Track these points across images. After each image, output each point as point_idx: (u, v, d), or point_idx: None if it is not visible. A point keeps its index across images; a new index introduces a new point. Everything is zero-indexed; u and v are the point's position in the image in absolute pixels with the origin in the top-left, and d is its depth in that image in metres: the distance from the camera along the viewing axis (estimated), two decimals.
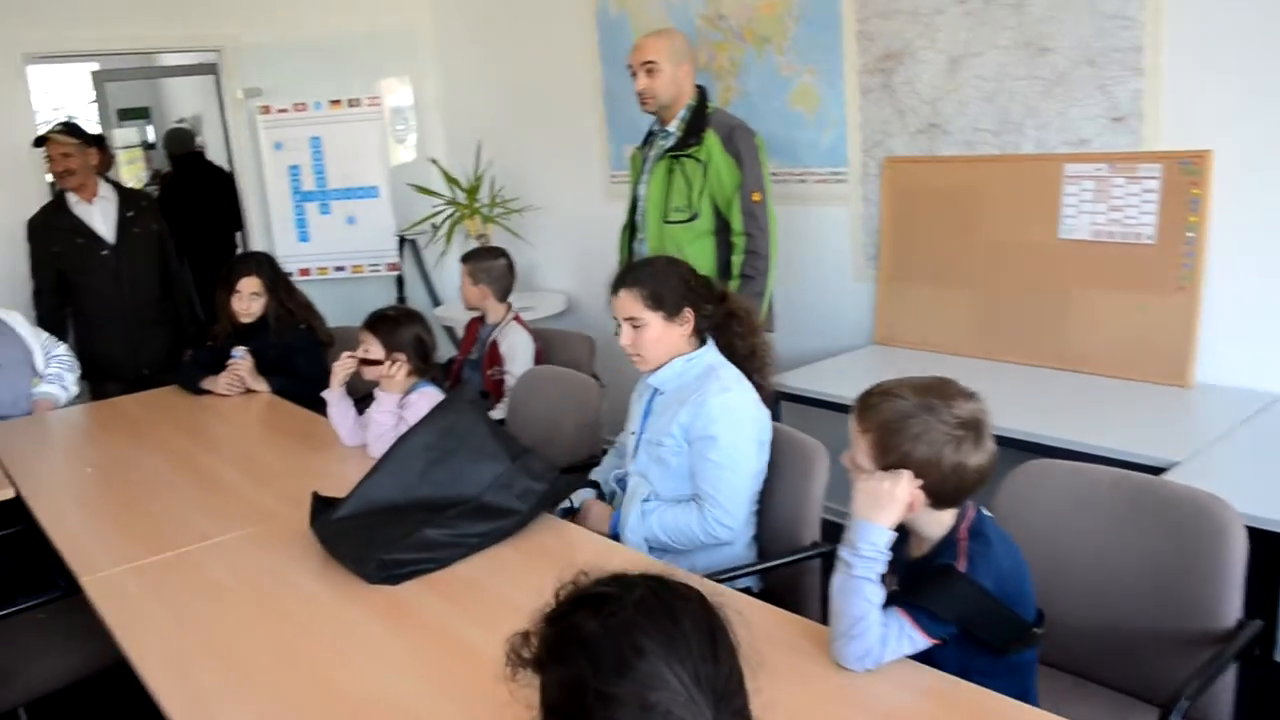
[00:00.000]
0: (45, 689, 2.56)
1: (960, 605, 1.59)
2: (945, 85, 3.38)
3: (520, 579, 2.00)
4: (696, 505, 2.30)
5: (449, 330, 5.34)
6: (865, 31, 3.57)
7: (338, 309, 4.31)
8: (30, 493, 2.84)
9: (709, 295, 2.45)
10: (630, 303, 2.39)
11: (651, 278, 2.40)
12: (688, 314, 2.39)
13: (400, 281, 5.60)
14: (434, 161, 5.32)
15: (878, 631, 1.57)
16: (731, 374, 2.36)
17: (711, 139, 3.34)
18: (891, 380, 1.70)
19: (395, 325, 2.96)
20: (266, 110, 5.36)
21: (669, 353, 2.41)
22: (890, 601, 1.61)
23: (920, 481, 1.61)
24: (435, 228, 5.20)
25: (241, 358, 3.67)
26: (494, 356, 3.65)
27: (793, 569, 2.32)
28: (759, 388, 2.41)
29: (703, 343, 2.43)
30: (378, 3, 5.60)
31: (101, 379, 4.28)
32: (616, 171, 4.72)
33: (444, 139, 5.79)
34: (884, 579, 1.62)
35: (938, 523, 1.68)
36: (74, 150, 4.19)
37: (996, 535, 1.69)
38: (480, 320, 3.89)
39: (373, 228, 5.45)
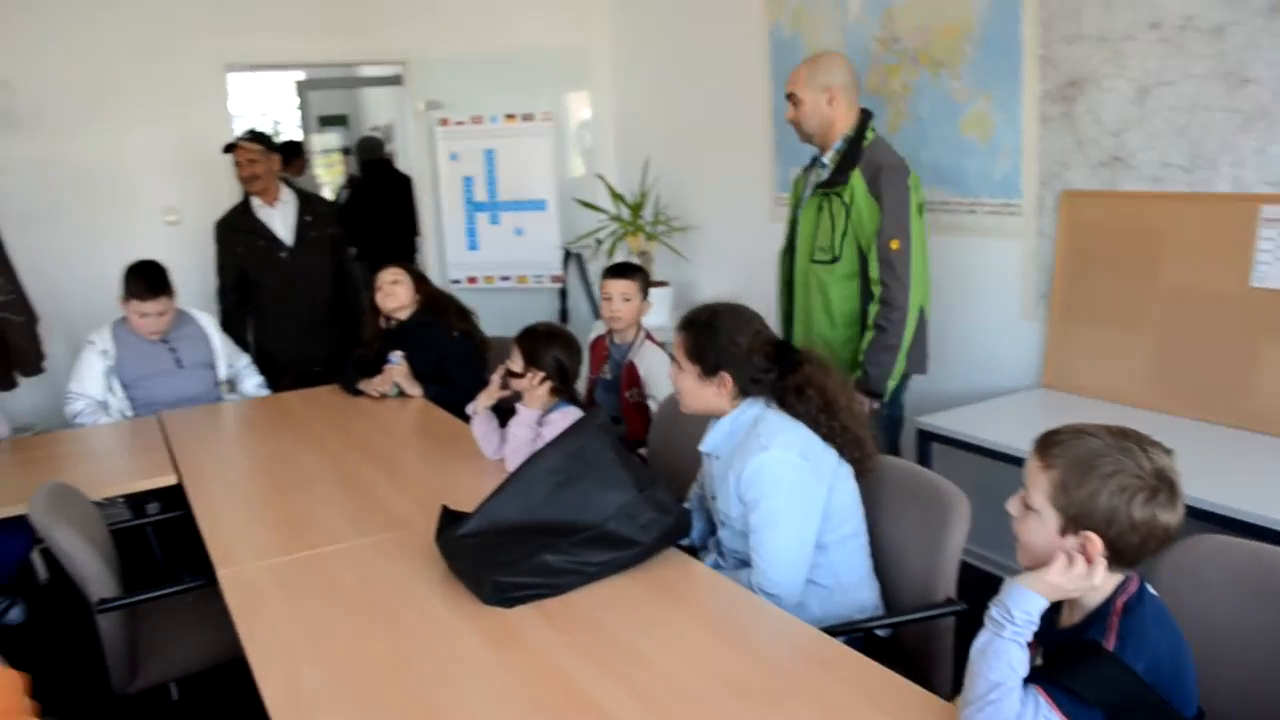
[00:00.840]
0: (190, 669, 2.69)
1: (1107, 690, 1.41)
2: (1132, 116, 3.16)
3: (635, 614, 1.96)
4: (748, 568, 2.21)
5: None
6: (1047, 57, 3.38)
7: (501, 318, 4.39)
8: (191, 480, 3.00)
9: (776, 359, 2.28)
10: (678, 343, 2.34)
11: (704, 327, 2.30)
12: (724, 378, 2.27)
13: (563, 294, 5.66)
14: (600, 177, 5.37)
15: (1014, 707, 1.42)
16: (774, 426, 2.21)
17: (856, 179, 3.17)
18: (1081, 423, 1.54)
19: (539, 341, 2.97)
20: (445, 122, 5.54)
21: (705, 408, 2.33)
22: (1030, 678, 1.45)
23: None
24: (599, 243, 5.24)
25: (397, 363, 3.78)
26: (631, 378, 3.60)
27: (923, 624, 2.19)
28: (858, 473, 2.27)
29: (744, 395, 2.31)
30: (557, 21, 5.70)
31: (277, 373, 4.50)
32: (781, 194, 4.64)
33: (613, 155, 5.84)
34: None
35: (1097, 589, 1.50)
36: (259, 156, 4.44)
37: (1155, 614, 1.49)
38: (606, 338, 3.78)
39: (539, 240, 5.54)
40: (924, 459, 3.15)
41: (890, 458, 2.40)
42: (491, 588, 1.99)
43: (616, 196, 5.16)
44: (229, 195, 5.10)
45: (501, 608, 1.99)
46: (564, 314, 5.63)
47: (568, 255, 5.59)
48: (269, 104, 9.32)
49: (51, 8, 4.79)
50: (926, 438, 3.19)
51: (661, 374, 3.53)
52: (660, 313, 4.80)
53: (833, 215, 3.23)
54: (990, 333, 3.70)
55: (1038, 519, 1.51)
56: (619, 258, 5.14)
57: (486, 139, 5.52)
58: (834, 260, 3.24)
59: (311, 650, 1.89)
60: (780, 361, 2.27)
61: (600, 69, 5.82)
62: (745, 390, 2.28)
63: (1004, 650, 1.44)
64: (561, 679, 1.74)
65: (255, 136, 4.49)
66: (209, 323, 4.13)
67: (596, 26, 5.79)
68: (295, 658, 1.86)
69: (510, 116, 5.46)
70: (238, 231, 4.55)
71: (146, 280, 3.81)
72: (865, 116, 3.30)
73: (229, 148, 4.49)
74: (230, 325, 4.43)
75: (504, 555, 2.07)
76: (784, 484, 2.15)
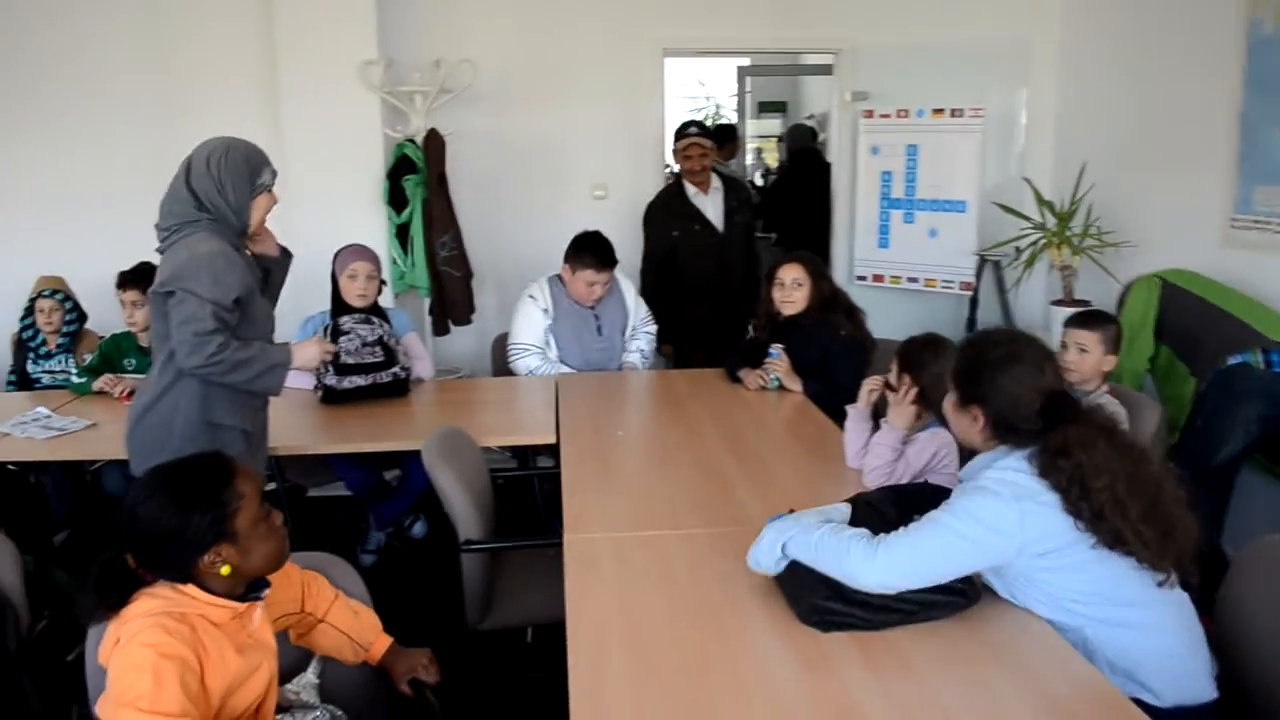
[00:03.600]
0: (536, 619, 2.86)
1: None
2: None
3: (956, 669, 1.77)
4: (868, 539, 1.91)
5: None
6: None
7: (902, 321, 4.20)
8: (567, 443, 3.16)
9: (1044, 411, 1.95)
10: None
11: (978, 353, 2.07)
12: (977, 412, 2.02)
13: (973, 303, 5.33)
14: (1028, 181, 4.97)
15: None
16: (1021, 486, 1.89)
17: None
18: None
19: (922, 355, 2.77)
20: (869, 114, 5.40)
21: (961, 437, 2.14)
22: None
23: None
24: (1018, 251, 4.87)
25: (778, 356, 3.74)
26: None
27: None
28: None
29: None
30: (1004, 9, 5.36)
31: (689, 347, 4.70)
32: (1240, 215, 4.03)
33: (1043, 159, 5.40)
34: None
35: None
36: (709, 150, 4.82)
37: None
38: None
39: (954, 243, 5.26)
40: None
41: None
42: (809, 608, 1.89)
43: (1044, 203, 4.75)
44: (651, 177, 5.36)
45: (816, 629, 1.89)
46: (971, 324, 5.31)
47: (982, 262, 5.25)
48: (710, 88, 9.67)
49: None
50: None
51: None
52: None
53: None
54: None
55: None
56: (1040, 271, 4.76)
57: (911, 134, 5.31)
58: None
59: (625, 631, 1.90)
60: (1048, 413, 1.95)
61: (1042, 63, 5.38)
62: (999, 435, 2.02)
63: None
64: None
65: (706, 132, 4.83)
66: (629, 289, 4.34)
67: (1046, 16, 5.36)
68: (608, 635, 1.89)
69: (938, 111, 5.21)
70: (674, 216, 4.86)
71: (600, 254, 4.07)
72: None
73: (680, 135, 4.81)
74: (652, 300, 4.68)
75: (828, 577, 1.96)
76: (977, 499, 1.89)
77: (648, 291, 4.73)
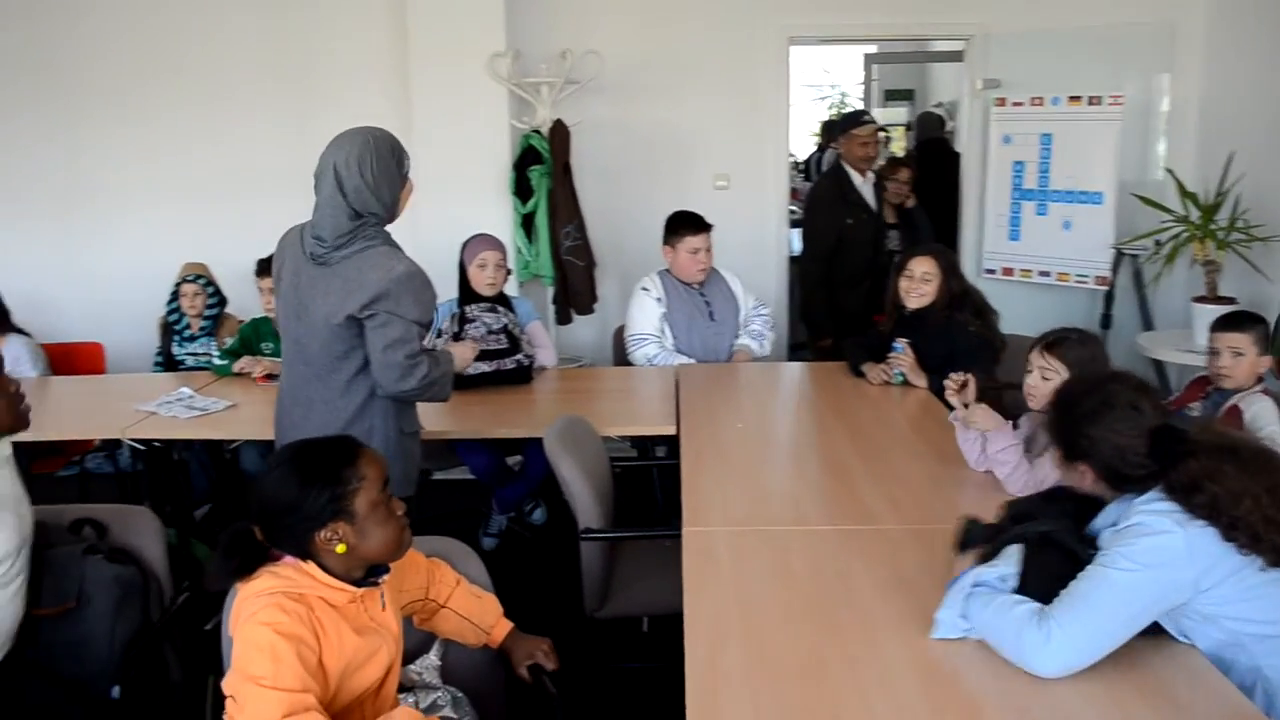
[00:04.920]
0: (652, 610, 2.87)
1: None
2: None
3: (1084, 683, 1.68)
4: (1037, 620, 1.73)
5: (1156, 364, 4.80)
6: None
7: (1032, 317, 4.09)
8: (687, 434, 3.16)
9: (1155, 451, 1.82)
10: None
11: (1064, 410, 1.99)
12: (1082, 468, 1.92)
13: (1109, 298, 5.13)
14: (1170, 172, 4.75)
15: None
16: (1177, 514, 1.76)
17: None
18: None
19: (1066, 349, 2.67)
20: (1001, 102, 5.25)
21: (1079, 488, 1.98)
22: None
23: None
24: (1158, 245, 4.66)
25: (902, 351, 3.66)
26: (1233, 421, 3.01)
27: None
28: None
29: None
30: None
31: (843, 336, 4.68)
32: None
33: (1186, 148, 5.14)
34: None
35: None
36: (880, 139, 4.91)
37: None
38: (1204, 381, 3.24)
39: (1089, 236, 5.06)
40: None
41: None
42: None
43: (1187, 195, 4.54)
44: (774, 167, 5.32)
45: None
46: (1106, 320, 5.11)
47: (1119, 256, 5.05)
48: (835, 75, 9.53)
49: None
50: None
51: (1268, 426, 2.99)
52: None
53: None
54: None
55: None
56: (1181, 266, 4.55)
57: (1045, 122, 5.13)
58: None
59: (741, 627, 1.90)
60: (1159, 454, 1.83)
61: (1187, 48, 5.11)
62: (1115, 485, 1.90)
63: None
64: None
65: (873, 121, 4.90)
66: (735, 281, 4.31)
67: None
68: (724, 630, 1.88)
69: (1074, 99, 5.01)
70: (848, 204, 4.87)
71: (693, 219, 4.12)
72: None
73: (859, 124, 4.87)
74: (819, 296, 4.79)
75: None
76: (1136, 543, 1.75)
77: (811, 283, 4.82)
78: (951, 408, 2.92)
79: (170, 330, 4.58)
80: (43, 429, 3.61)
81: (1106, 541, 1.83)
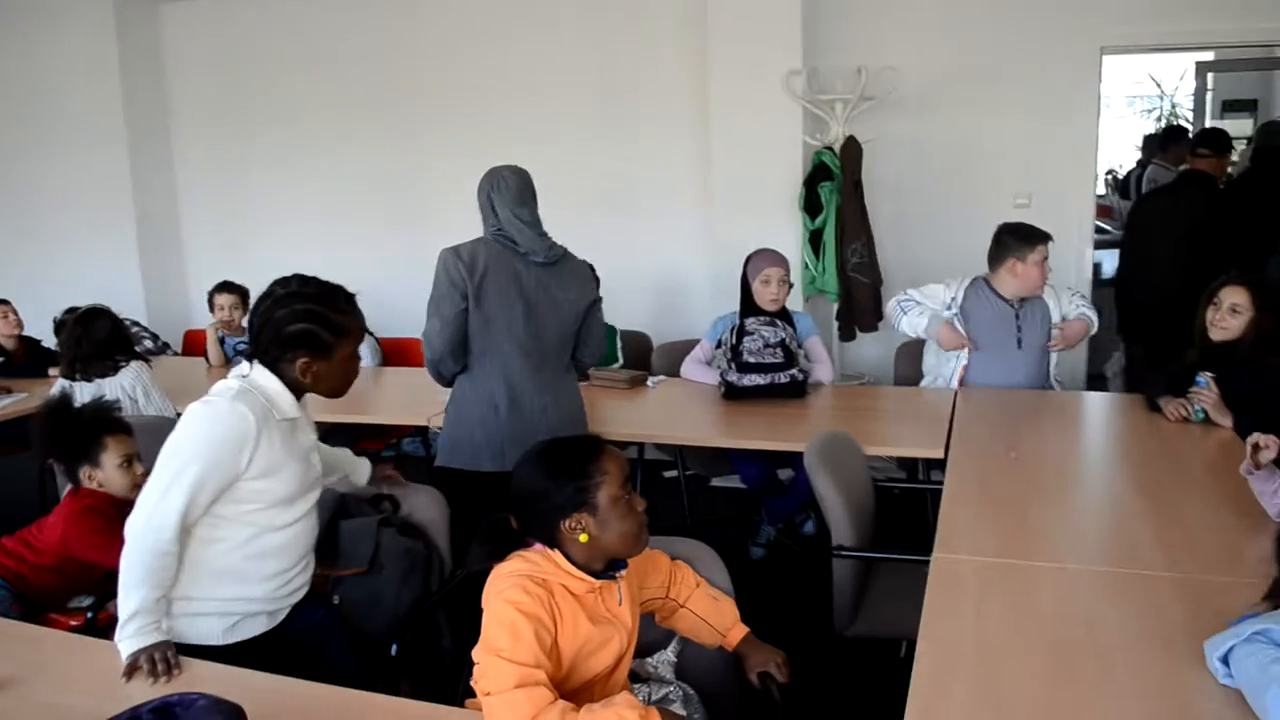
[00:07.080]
0: (900, 632, 2.81)
1: None
2: None
3: None
4: None
5: None
6: None
7: None
8: (955, 459, 3.10)
9: None
10: None
11: None
12: None
13: None
14: None
15: None
16: None
17: None
18: None
19: None
20: None
21: None
22: None
23: None
24: None
25: (1206, 385, 3.38)
26: None
27: None
28: None
29: None
30: None
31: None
32: None
33: None
34: None
35: None
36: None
37: None
38: None
39: None
40: None
41: None
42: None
43: None
44: (1081, 184, 5.06)
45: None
46: None
47: None
48: (1164, 86, 8.84)
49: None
50: None
51: None
52: None
53: None
54: None
55: None
56: None
57: None
58: None
59: (975, 662, 1.86)
60: None
61: None
62: None
63: None
64: None
65: None
66: (1049, 293, 4.12)
67: None
68: (955, 661, 1.86)
69: None
70: None
71: (1034, 228, 3.99)
72: None
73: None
74: None
75: None
76: None
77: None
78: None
79: None
80: (369, 412, 4.09)
81: None
